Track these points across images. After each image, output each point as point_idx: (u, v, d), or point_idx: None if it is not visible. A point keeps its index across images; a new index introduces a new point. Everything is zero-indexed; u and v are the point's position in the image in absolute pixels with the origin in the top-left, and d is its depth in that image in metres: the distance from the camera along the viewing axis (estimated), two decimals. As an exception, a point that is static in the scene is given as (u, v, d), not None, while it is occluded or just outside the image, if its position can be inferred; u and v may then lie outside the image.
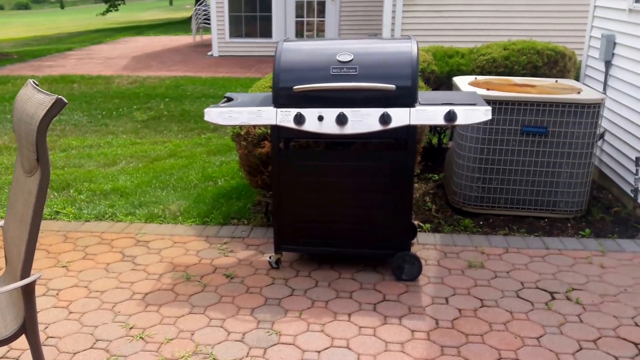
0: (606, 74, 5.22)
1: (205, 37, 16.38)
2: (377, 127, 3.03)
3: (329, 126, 3.03)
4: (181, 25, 23.33)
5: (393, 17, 7.82)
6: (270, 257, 3.53)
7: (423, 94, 3.43)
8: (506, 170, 4.29)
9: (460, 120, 3.02)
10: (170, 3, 50.00)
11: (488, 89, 4.39)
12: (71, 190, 4.95)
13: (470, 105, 3.10)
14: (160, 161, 5.84)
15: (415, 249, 3.72)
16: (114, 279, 3.44)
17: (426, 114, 3.03)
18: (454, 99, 3.23)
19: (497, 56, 5.57)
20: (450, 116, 3.01)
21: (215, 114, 3.06)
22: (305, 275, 3.45)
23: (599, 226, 4.15)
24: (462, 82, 4.70)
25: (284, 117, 3.04)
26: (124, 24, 26.33)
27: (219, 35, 13.14)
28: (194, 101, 8.73)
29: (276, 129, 3.13)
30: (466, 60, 5.61)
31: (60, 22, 31.62)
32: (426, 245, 3.84)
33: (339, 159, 3.20)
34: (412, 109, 3.04)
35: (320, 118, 3.03)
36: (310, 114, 3.03)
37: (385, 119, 3.01)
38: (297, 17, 12.78)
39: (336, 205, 3.27)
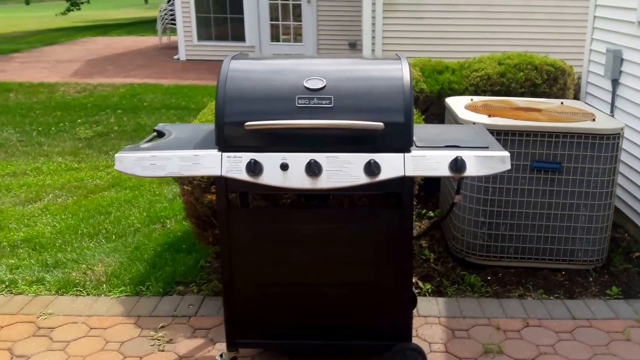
0: (613, 94, 4.56)
1: (173, 38, 15.34)
2: (361, 179, 2.23)
3: (296, 178, 2.22)
4: (151, 25, 22.06)
5: (373, 24, 7.06)
6: (221, 356, 2.64)
7: (418, 129, 2.65)
8: (515, 213, 3.57)
9: (469, 171, 2.25)
10: (146, 1, 48.51)
11: (490, 115, 3.66)
12: (-34, 243, 3.91)
13: (481, 149, 2.33)
14: (97, 194, 4.86)
15: (416, 324, 2.93)
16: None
17: (426, 161, 2.25)
18: (460, 139, 2.46)
19: (492, 72, 4.85)
20: (458, 165, 2.23)
21: (130, 162, 2.20)
22: (272, 383, 2.56)
23: (625, 280, 3.50)
24: (457, 105, 3.96)
25: (233, 165, 2.22)
26: (90, 22, 25.04)
27: (186, 38, 12.20)
28: (152, 113, 7.78)
29: (223, 182, 2.30)
30: (458, 77, 4.87)
31: (21, 19, 30.12)
32: (428, 318, 3.05)
33: (312, 219, 2.39)
34: (407, 154, 2.25)
35: (284, 167, 2.22)
36: (270, 162, 2.22)
37: (372, 169, 2.21)
38: (271, 20, 11.93)
39: (310, 282, 2.44)
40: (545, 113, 3.82)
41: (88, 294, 3.29)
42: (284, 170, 2.22)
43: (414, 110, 4.08)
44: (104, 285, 3.36)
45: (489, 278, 3.51)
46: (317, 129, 2.20)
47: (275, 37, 12.04)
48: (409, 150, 2.26)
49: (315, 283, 2.46)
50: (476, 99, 4.21)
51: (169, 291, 3.30)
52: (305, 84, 2.24)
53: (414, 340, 2.67)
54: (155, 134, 2.56)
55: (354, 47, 11.28)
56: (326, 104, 2.21)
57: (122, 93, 8.90)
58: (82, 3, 23.88)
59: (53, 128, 7.07)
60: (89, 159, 5.89)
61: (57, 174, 5.39)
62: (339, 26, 11.51)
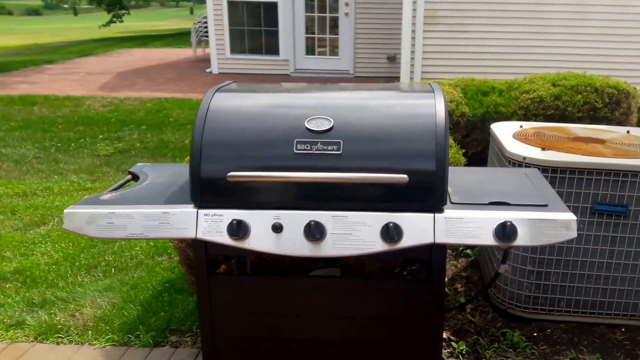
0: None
1: (208, 51, 15.15)
2: (377, 246, 1.72)
3: (292, 243, 1.72)
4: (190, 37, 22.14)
5: (413, 38, 6.54)
6: None
7: (453, 174, 2.12)
8: (569, 262, 3.00)
9: (521, 240, 1.70)
10: (191, 12, 49.20)
11: (543, 148, 3.08)
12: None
13: (538, 208, 1.78)
14: (103, 220, 4.50)
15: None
16: None
17: (463, 226, 1.72)
18: (508, 191, 1.92)
19: (545, 95, 4.26)
20: (507, 233, 1.69)
21: (82, 220, 1.74)
22: None
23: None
24: (504, 133, 3.39)
25: (212, 225, 1.73)
26: (132, 33, 25.26)
27: (219, 51, 11.89)
28: (176, 129, 7.43)
29: (202, 244, 1.82)
30: (505, 100, 4.30)
31: (67, 29, 30.76)
32: (459, 395, 2.51)
33: (313, 290, 1.89)
34: (437, 215, 1.73)
35: (277, 228, 1.72)
36: (259, 222, 1.73)
37: (390, 234, 1.69)
38: (307, 32, 11.52)
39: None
40: (609, 145, 3.22)
41: (71, 342, 2.89)
42: (276, 233, 1.72)
43: (452, 141, 3.53)
44: (90, 332, 2.95)
45: (535, 334, 2.94)
46: (321, 183, 1.69)
47: (310, 50, 11.60)
48: (440, 210, 1.74)
49: (318, 371, 1.95)
50: (526, 125, 3.64)
51: (161, 342, 2.87)
52: (307, 125, 1.73)
53: None
54: (129, 177, 2.11)
55: (393, 60, 10.75)
56: (333, 150, 1.70)
57: (149, 108, 8.59)
58: (124, 15, 24.13)
59: (73, 144, 6.79)
60: (105, 177, 5.57)
61: (68, 194, 5.07)
62: (377, 39, 11.00)
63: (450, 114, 3.97)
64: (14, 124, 7.75)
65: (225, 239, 1.73)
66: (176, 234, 1.73)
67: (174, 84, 10.77)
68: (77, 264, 3.71)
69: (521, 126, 3.58)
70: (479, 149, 4.30)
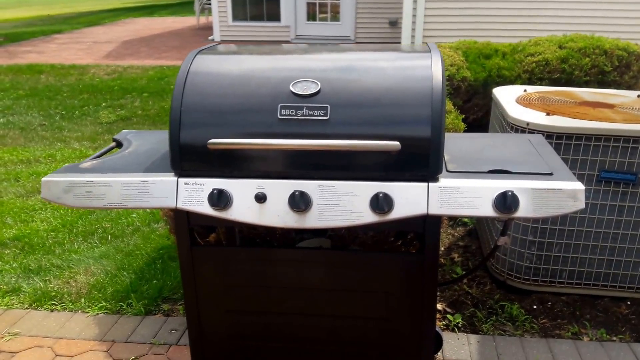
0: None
1: (211, 19, 14.96)
2: (366, 217, 1.62)
3: (276, 213, 1.63)
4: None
5: (414, 2, 6.33)
6: None
7: (451, 140, 2.01)
8: (573, 232, 2.91)
9: (523, 211, 1.60)
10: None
11: (548, 113, 2.95)
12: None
13: (542, 176, 1.68)
14: (105, 185, 4.55)
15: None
16: None
17: (459, 195, 1.62)
18: (510, 159, 1.81)
19: (551, 57, 4.10)
20: (507, 203, 1.59)
21: (59, 189, 1.66)
22: None
23: None
24: (507, 97, 3.26)
25: (192, 195, 1.65)
26: (140, 2, 25.02)
27: (221, 18, 11.69)
28: (177, 97, 7.38)
29: (183, 216, 1.74)
30: (509, 63, 4.15)
31: (79, 0, 30.46)
32: (455, 366, 2.46)
33: (300, 262, 1.80)
34: (432, 184, 1.63)
35: (261, 198, 1.63)
36: (242, 191, 1.64)
37: (380, 204, 1.60)
38: (308, -2, 11.30)
39: (300, 336, 1.88)
40: (618, 110, 3.08)
41: (64, 309, 2.89)
42: (260, 203, 1.63)
43: (451, 106, 3.40)
44: (83, 300, 2.95)
45: (534, 307, 2.87)
46: (307, 151, 1.59)
47: (311, 17, 11.38)
48: (435, 179, 1.63)
49: (305, 337, 1.88)
50: (530, 89, 3.50)
51: (153, 310, 2.86)
52: (292, 89, 1.62)
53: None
54: (113, 144, 2.02)
55: (395, 25, 10.53)
56: (320, 115, 1.60)
57: (151, 76, 8.57)
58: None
59: (77, 112, 6.80)
60: (106, 144, 5.59)
61: (70, 160, 5.09)
62: (379, 3, 10.75)
63: (450, 78, 3.83)
64: (21, 92, 7.81)
65: (206, 209, 1.64)
66: (156, 203, 1.65)
67: (176, 52, 10.69)
68: (74, 230, 3.74)
69: (525, 90, 3.44)
70: (480, 115, 4.18)
